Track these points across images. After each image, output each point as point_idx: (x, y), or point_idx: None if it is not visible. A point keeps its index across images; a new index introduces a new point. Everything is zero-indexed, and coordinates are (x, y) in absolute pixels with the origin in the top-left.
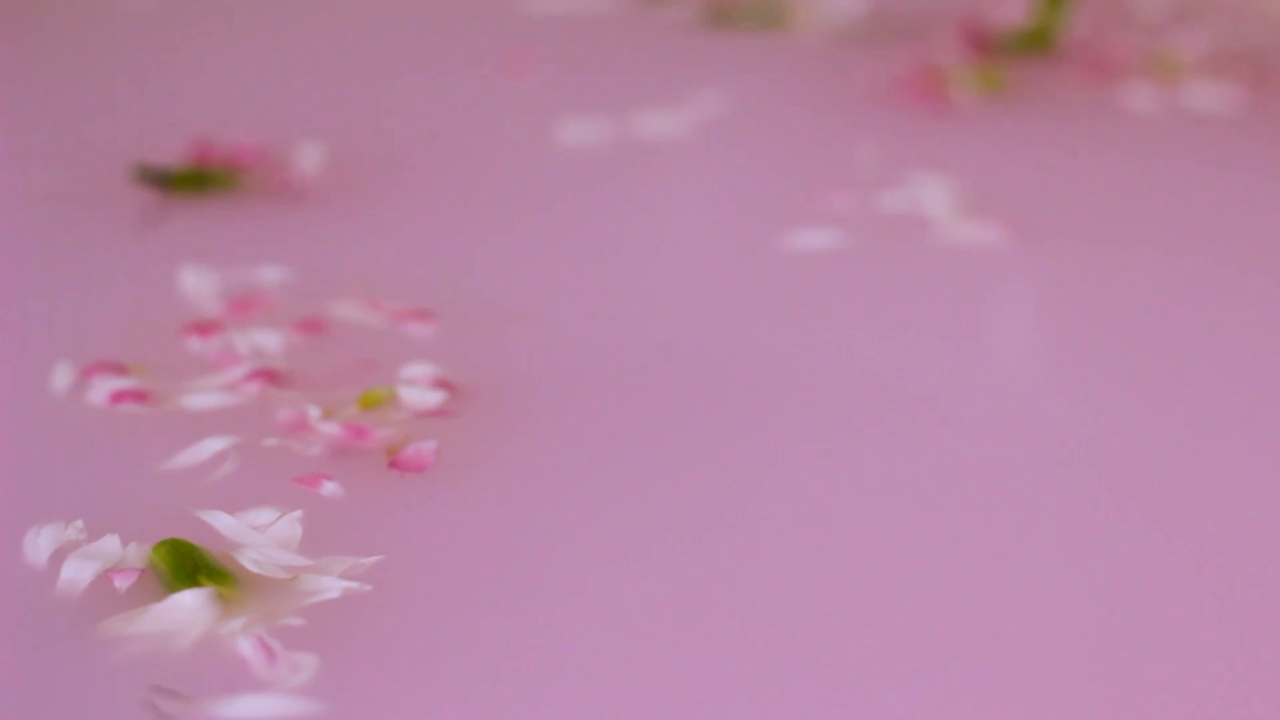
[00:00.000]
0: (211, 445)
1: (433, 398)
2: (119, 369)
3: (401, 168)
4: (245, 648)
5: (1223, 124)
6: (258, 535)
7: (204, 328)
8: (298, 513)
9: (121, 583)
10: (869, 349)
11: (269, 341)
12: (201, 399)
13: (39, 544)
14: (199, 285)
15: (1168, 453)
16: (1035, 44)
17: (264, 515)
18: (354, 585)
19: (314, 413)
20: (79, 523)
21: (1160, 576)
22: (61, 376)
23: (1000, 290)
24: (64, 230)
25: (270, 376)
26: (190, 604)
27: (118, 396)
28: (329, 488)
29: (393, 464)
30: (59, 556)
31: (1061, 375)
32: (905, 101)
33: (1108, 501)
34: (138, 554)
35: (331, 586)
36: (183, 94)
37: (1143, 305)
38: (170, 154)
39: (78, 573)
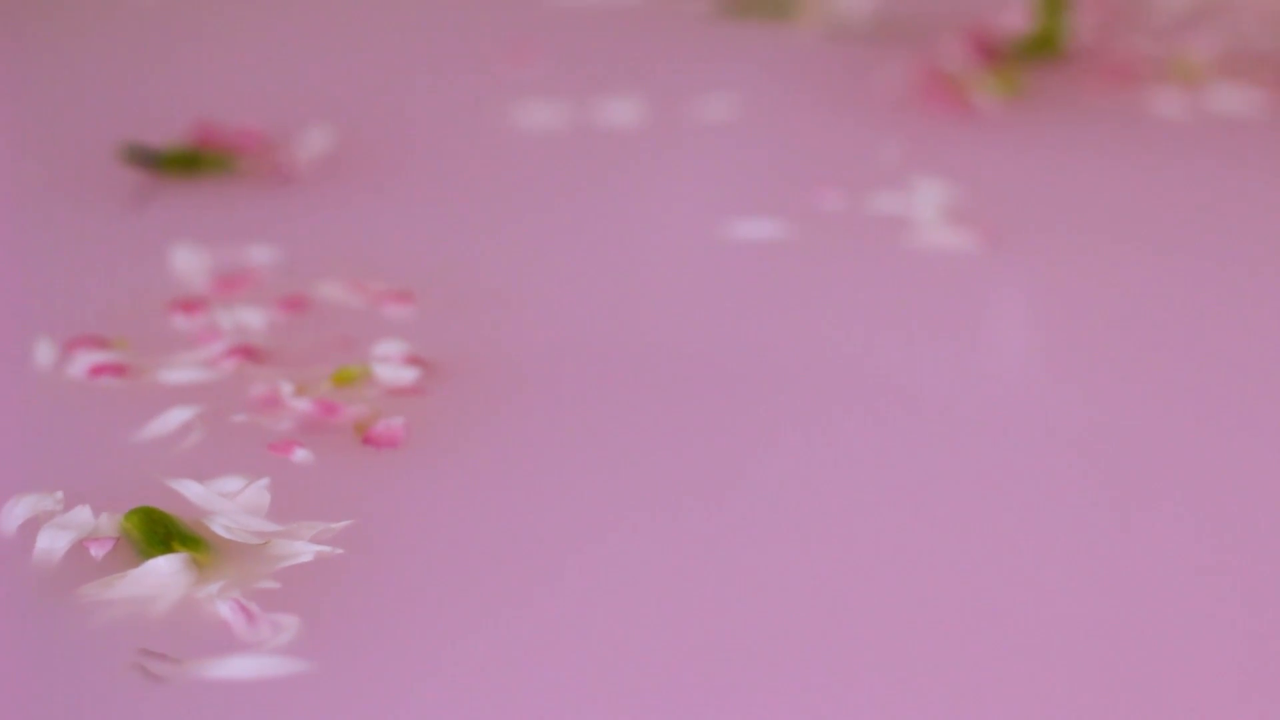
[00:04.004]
0: (179, 416)
1: (407, 374)
2: (101, 343)
3: (401, 153)
4: (224, 610)
5: (1250, 126)
6: (227, 502)
7: (189, 305)
8: (265, 480)
9: (97, 551)
10: (856, 342)
11: (252, 319)
12: (178, 374)
13: (15, 515)
14: (188, 264)
15: (1163, 445)
16: (1042, 49)
17: (232, 483)
18: (326, 549)
19: (287, 388)
20: (59, 494)
21: (1157, 569)
22: (44, 351)
23: (1018, 290)
24: (59, 211)
25: (248, 353)
26: (165, 569)
27: (96, 370)
28: (300, 454)
29: (366, 440)
30: (33, 527)
31: (1063, 374)
32: (925, 104)
33: (1094, 486)
34: (110, 523)
35: (303, 551)
36: (186, 80)
37: (1157, 304)
38: (172, 138)
39: (53, 542)
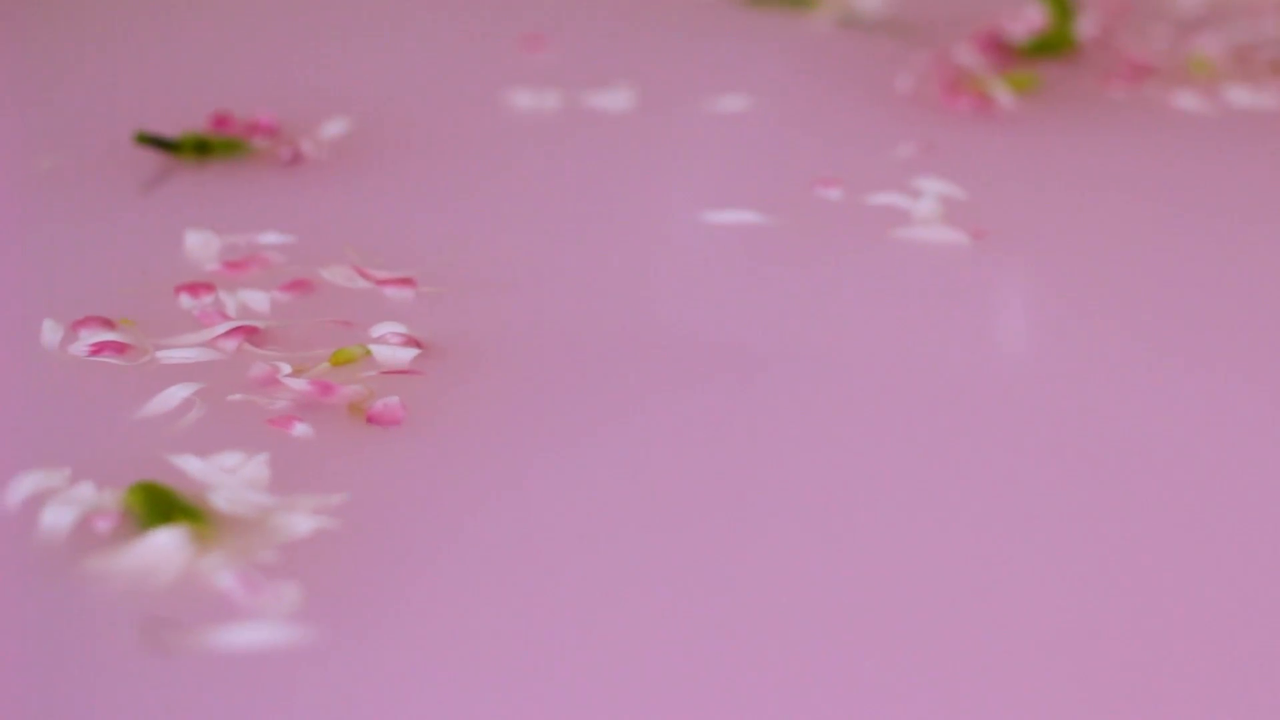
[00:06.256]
0: (178, 393)
1: (404, 355)
2: (107, 323)
3: (410, 141)
4: (225, 581)
5: (1267, 120)
6: (227, 476)
7: (196, 287)
8: (264, 455)
9: (103, 525)
10: (858, 331)
11: (256, 301)
12: (179, 353)
13: (20, 491)
14: (198, 248)
15: (1163, 434)
16: (1055, 47)
17: (232, 459)
18: (325, 522)
19: (285, 369)
20: (66, 470)
21: (1153, 554)
22: (50, 331)
23: (1032, 281)
24: (74, 195)
25: (249, 334)
26: (168, 541)
27: (98, 348)
28: (299, 429)
29: (369, 419)
30: (38, 502)
31: (1070, 363)
32: (941, 100)
33: (1094, 474)
34: (113, 498)
35: (302, 523)
36: (201, 69)
37: (1172, 294)
38: (191, 125)
39: (59, 517)
